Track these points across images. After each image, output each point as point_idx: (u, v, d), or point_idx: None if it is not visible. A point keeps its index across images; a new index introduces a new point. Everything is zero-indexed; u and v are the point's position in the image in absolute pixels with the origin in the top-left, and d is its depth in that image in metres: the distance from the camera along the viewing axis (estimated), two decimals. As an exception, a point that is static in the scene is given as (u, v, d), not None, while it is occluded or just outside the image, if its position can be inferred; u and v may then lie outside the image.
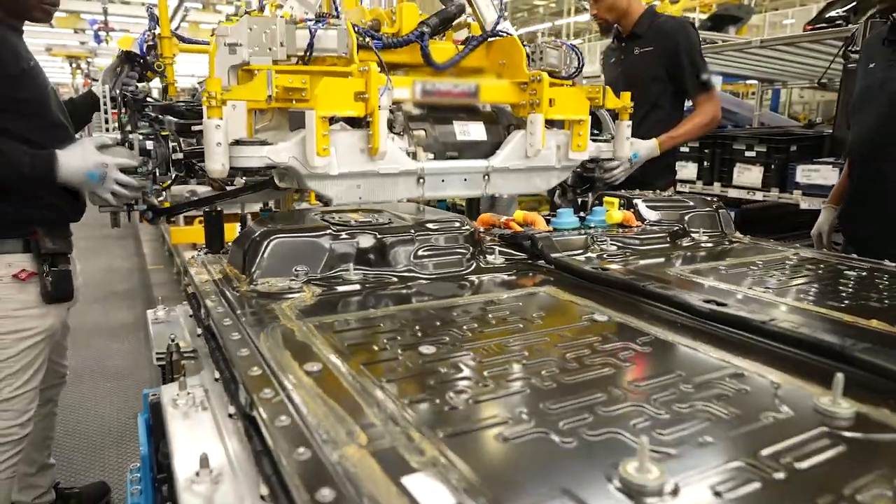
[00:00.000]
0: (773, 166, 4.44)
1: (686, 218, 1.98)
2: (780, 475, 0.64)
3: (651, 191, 2.29)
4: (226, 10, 21.79)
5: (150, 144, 1.77)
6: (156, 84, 3.00)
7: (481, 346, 1.00)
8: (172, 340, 1.30)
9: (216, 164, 1.59)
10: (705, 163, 5.04)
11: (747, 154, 4.75)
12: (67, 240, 2.05)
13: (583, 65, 2.21)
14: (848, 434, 0.73)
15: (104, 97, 1.83)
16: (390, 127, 1.83)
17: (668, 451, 0.69)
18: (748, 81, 9.81)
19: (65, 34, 24.29)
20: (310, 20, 1.81)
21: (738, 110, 7.36)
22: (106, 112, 1.84)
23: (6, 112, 1.84)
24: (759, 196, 4.63)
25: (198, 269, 1.49)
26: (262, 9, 2.56)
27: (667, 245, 1.80)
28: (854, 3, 4.89)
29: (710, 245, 1.85)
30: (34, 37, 25.64)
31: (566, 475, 0.64)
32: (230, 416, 0.95)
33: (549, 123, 2.05)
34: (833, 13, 5.10)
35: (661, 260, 1.65)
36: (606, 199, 2.02)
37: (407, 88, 1.93)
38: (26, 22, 2.03)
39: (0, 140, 1.79)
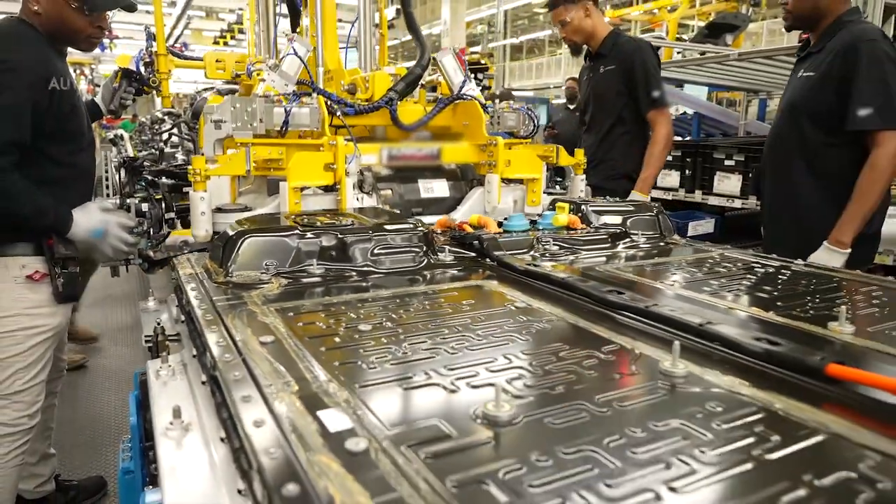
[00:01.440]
0: (750, 175, 4.63)
1: (629, 222, 2.19)
2: (605, 411, 0.85)
3: (607, 197, 2.51)
4: (228, 18, 22.06)
5: (145, 207, 2.02)
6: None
7: (410, 325, 1.21)
8: (158, 324, 1.52)
9: (201, 230, 1.90)
10: (687, 171, 5.24)
11: (727, 163, 4.94)
12: (75, 245, 2.22)
13: (538, 126, 2.47)
14: (675, 386, 0.94)
15: (106, 169, 2.07)
16: (360, 187, 2.08)
17: (522, 395, 0.89)
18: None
19: (69, 41, 24.48)
20: (290, 94, 2.06)
21: (725, 119, 7.57)
22: (107, 179, 2.08)
23: (60, 144, 2.07)
24: (737, 204, 4.84)
25: (183, 264, 1.70)
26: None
27: (605, 245, 2.01)
28: None
29: (644, 245, 2.06)
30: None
31: (446, 412, 0.85)
32: (202, 383, 1.15)
33: (508, 180, 2.30)
34: None
35: (596, 258, 1.87)
36: (558, 204, 2.24)
37: (374, 155, 2.20)
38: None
39: (35, 189, 1.99)
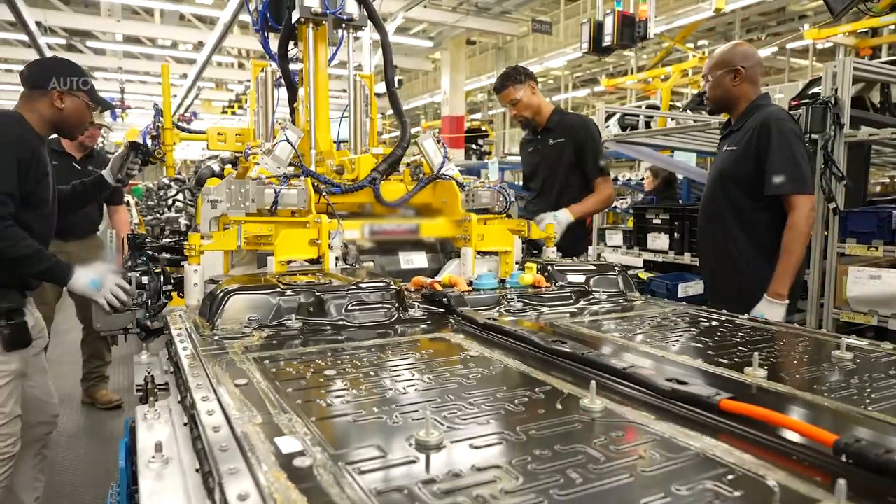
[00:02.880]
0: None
1: (592, 280, 2.35)
2: (522, 438, 0.99)
3: (571, 257, 2.69)
4: (236, 88, 22.90)
5: (144, 279, 2.21)
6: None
7: (370, 371, 1.36)
8: (149, 373, 1.67)
9: (193, 300, 2.10)
10: (676, 234, 5.42)
11: (712, 226, 5.14)
12: (22, 296, 2.41)
13: (511, 202, 2.70)
14: (593, 419, 1.08)
15: (111, 240, 2.27)
16: (344, 259, 2.27)
17: (451, 425, 1.04)
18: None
19: (83, 111, 25.35)
20: (281, 176, 2.28)
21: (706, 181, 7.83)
22: (111, 256, 2.27)
23: (26, 208, 2.33)
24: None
25: (175, 320, 1.86)
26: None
27: (568, 302, 2.17)
28: None
29: (605, 302, 2.22)
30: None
31: (384, 439, 1.00)
32: (184, 424, 1.30)
33: (483, 252, 2.51)
34: (816, 90, 5.57)
35: (557, 313, 2.02)
36: (527, 264, 2.41)
37: (357, 230, 2.42)
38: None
39: (32, 241, 2.25)
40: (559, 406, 1.15)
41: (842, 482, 0.74)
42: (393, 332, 1.76)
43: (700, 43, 19.41)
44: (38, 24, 13.62)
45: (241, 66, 22.02)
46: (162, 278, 2.27)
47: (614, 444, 0.97)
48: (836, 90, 3.53)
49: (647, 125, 8.29)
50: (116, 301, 2.20)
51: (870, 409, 1.15)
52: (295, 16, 2.85)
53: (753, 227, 2.71)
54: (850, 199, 3.71)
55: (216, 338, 1.63)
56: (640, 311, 2.11)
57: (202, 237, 2.17)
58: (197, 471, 1.07)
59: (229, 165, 3.34)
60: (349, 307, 1.83)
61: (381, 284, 1.92)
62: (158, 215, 5.03)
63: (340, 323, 1.79)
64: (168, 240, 3.16)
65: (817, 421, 1.09)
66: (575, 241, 3.29)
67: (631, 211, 7.46)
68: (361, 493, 0.80)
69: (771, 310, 2.52)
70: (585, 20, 8.30)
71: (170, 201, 5.22)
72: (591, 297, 2.26)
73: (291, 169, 2.49)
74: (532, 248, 2.93)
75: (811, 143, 3.56)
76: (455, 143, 18.41)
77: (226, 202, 2.21)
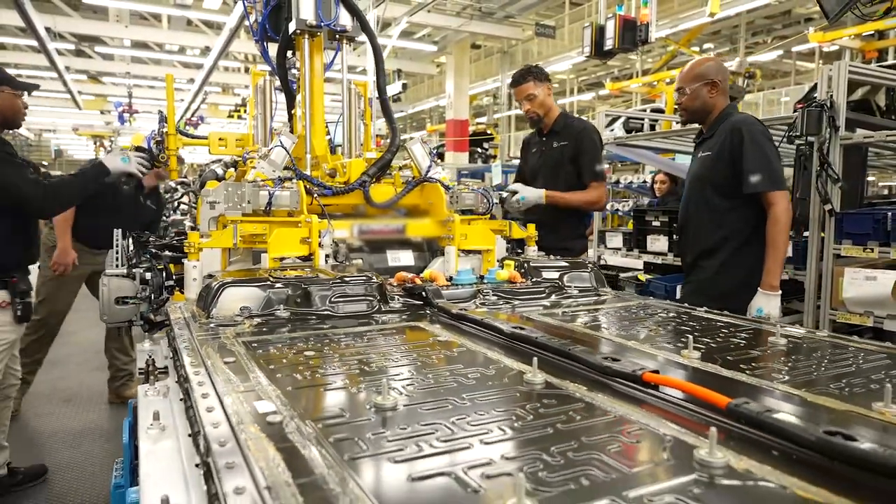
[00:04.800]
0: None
1: (566, 277, 2.51)
2: (467, 403, 1.15)
3: (564, 255, 2.86)
4: (242, 93, 23.16)
5: (148, 275, 2.38)
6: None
7: (345, 351, 1.53)
8: (150, 357, 1.84)
9: (192, 293, 2.28)
10: (674, 236, 5.53)
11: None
12: (28, 280, 3.02)
13: (493, 204, 2.86)
14: (532, 390, 1.24)
15: (117, 241, 2.45)
16: (335, 257, 2.44)
17: (409, 394, 1.20)
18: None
19: (91, 115, 25.80)
20: (276, 179, 2.45)
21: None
22: (118, 252, 2.45)
23: None
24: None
25: (174, 310, 2.03)
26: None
27: (540, 296, 2.33)
28: None
29: (576, 296, 2.37)
30: (62, 117, 27.29)
31: (347, 403, 1.16)
32: (180, 399, 1.46)
33: (466, 251, 2.67)
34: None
35: (529, 306, 2.18)
36: (506, 262, 2.57)
37: (347, 230, 2.59)
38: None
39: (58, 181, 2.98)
40: (505, 380, 1.31)
41: (713, 429, 0.90)
42: (373, 321, 1.93)
43: (706, 46, 19.53)
44: (47, 29, 13.90)
45: (247, 70, 22.27)
46: (164, 274, 2.44)
47: (546, 408, 1.13)
48: (832, 93, 3.59)
49: (652, 128, 8.41)
50: (145, 164, 2.86)
51: (776, 383, 1.31)
52: (292, 27, 3.02)
53: (730, 225, 2.86)
54: (848, 201, 3.74)
55: (211, 325, 1.79)
56: (607, 304, 2.27)
57: (201, 235, 2.35)
58: (189, 435, 1.23)
59: (232, 169, 3.52)
60: (333, 298, 1.99)
61: (363, 278, 2.08)
62: (164, 217, 5.23)
63: (325, 313, 1.96)
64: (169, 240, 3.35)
65: (729, 391, 1.25)
66: (568, 240, 3.46)
67: (632, 214, 7.57)
68: (317, 440, 0.96)
69: (768, 302, 2.67)
70: (587, 24, 8.40)
71: (175, 203, 5.41)
72: (564, 291, 2.42)
73: (287, 173, 2.67)
74: (517, 245, 3.08)
75: (807, 145, 3.67)
76: (459, 146, 18.58)
77: (223, 203, 2.38)
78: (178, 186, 5.06)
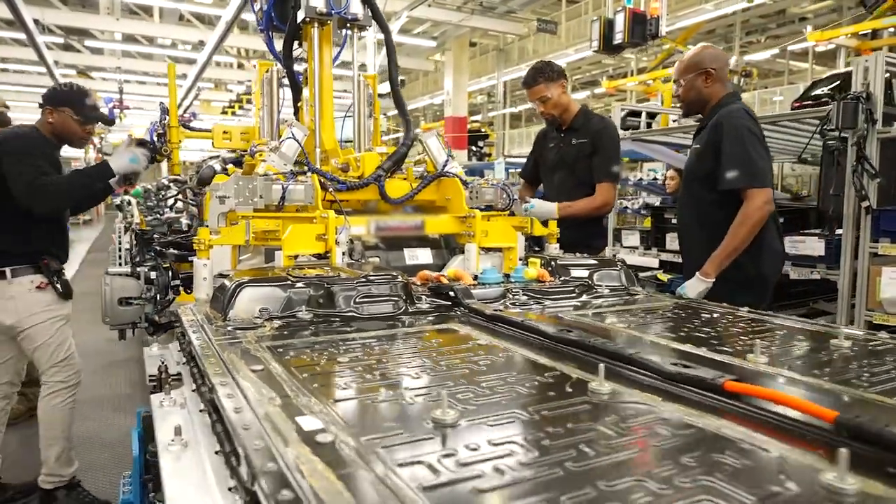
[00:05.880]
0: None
1: (595, 275, 2.39)
2: (535, 417, 1.03)
3: (584, 252, 2.73)
4: (236, 89, 22.92)
5: (153, 275, 2.24)
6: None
7: (381, 357, 1.40)
8: (163, 363, 1.70)
9: (202, 293, 2.13)
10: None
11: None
12: (61, 261, 3.04)
13: (514, 199, 2.72)
14: (607, 403, 1.12)
15: (119, 237, 2.33)
16: (350, 255, 2.30)
17: (468, 407, 1.08)
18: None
19: (81, 112, 25.37)
20: (288, 173, 2.31)
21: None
22: (120, 249, 2.32)
23: None
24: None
25: (186, 312, 1.89)
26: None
27: (571, 295, 2.20)
28: (838, 82, 5.27)
29: (607, 295, 2.25)
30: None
31: (402, 417, 1.03)
32: (200, 411, 1.33)
33: (487, 248, 2.54)
34: (818, 91, 5.52)
35: (561, 306, 2.06)
36: (531, 259, 2.45)
37: (363, 226, 2.45)
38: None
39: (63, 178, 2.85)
40: (569, 389, 1.19)
41: (843, 451, 0.78)
42: (401, 324, 1.80)
43: (701, 45, 19.47)
44: (35, 22, 13.63)
45: (240, 66, 22.05)
46: (170, 274, 2.30)
47: (623, 422, 1.01)
48: (868, 85, 3.45)
49: (649, 125, 8.30)
50: (149, 156, 2.87)
51: (860, 390, 1.19)
52: (300, 16, 2.88)
53: (716, 221, 2.72)
54: (884, 198, 3.60)
55: (229, 328, 1.66)
56: (642, 304, 2.15)
57: (211, 232, 2.20)
58: (217, 453, 1.10)
59: (232, 165, 3.37)
60: (358, 299, 1.86)
61: (389, 277, 1.95)
62: (159, 216, 5.06)
63: (350, 314, 1.83)
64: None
65: (818, 399, 1.13)
66: (591, 237, 3.36)
67: (643, 212, 7.47)
68: (383, 466, 0.84)
69: (695, 287, 2.63)
70: (595, 18, 8.17)
71: (170, 201, 5.23)
72: (594, 291, 2.30)
73: (298, 167, 2.53)
74: (535, 243, 2.96)
75: (841, 140, 3.51)
76: (458, 143, 18.45)
77: (234, 198, 2.24)
78: (172, 184, 4.89)
